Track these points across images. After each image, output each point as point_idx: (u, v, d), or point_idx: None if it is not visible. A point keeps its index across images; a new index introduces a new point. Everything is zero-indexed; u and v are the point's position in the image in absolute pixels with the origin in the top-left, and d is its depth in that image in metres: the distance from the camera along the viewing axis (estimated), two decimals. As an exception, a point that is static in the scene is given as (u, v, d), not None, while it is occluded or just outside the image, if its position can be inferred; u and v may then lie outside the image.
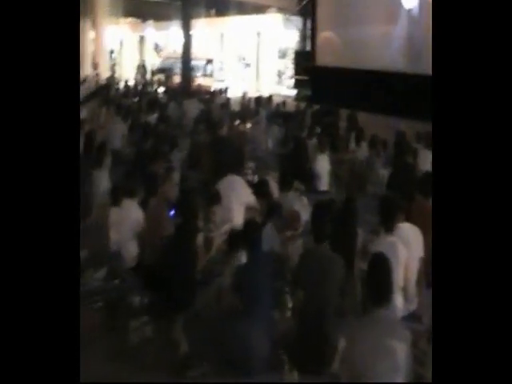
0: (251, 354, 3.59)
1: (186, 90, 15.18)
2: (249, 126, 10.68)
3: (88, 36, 24.79)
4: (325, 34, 18.26)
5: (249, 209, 5.66)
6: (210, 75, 21.42)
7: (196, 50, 19.55)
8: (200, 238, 4.34)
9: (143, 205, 5.30)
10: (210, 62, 22.04)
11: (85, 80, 16.68)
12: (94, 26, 24.43)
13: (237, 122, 10.50)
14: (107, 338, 3.97)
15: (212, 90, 15.88)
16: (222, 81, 21.04)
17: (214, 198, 5.07)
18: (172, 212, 5.22)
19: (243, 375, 3.53)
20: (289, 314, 3.98)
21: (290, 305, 4.11)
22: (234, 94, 15.54)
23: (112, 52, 25.50)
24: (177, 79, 18.10)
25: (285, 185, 6.06)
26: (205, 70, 21.37)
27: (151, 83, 18.66)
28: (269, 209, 5.20)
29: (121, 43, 26.42)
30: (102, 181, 6.21)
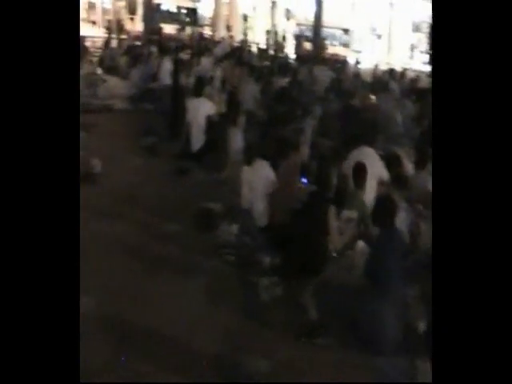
0: (380, 332, 3.48)
1: (316, 56, 14.93)
2: (380, 98, 10.24)
3: (222, 0, 25.31)
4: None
5: (380, 183, 5.44)
6: (343, 44, 20.93)
7: (327, 18, 19.10)
8: (333, 209, 4.23)
9: (274, 167, 5.31)
10: (346, 31, 21.49)
11: (219, 41, 17.12)
12: (229, -11, 24.87)
13: (368, 94, 10.11)
14: (238, 292, 4.07)
15: (343, 59, 15.50)
16: (358, 51, 20.43)
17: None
18: (304, 179, 5.18)
19: (370, 354, 3.43)
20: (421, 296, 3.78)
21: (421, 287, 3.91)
22: (364, 64, 15.02)
23: (245, 16, 25.83)
24: (307, 46, 17.89)
25: (421, 163, 5.74)
26: (335, 38, 20.91)
27: (282, 48, 18.64)
28: (401, 185, 4.97)
29: (253, 8, 26.64)
30: (236, 139, 6.33)
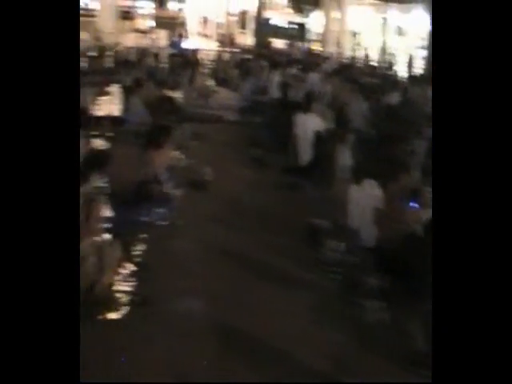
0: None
1: (429, 76, 14.45)
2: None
3: (333, 16, 25.39)
4: None
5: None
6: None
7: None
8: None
9: (383, 188, 5.21)
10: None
11: (328, 57, 17.20)
12: (339, 6, 24.88)
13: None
14: (343, 312, 4.04)
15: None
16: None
17: None
18: (414, 203, 5.02)
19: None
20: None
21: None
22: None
23: (354, 32, 25.71)
24: (420, 64, 17.39)
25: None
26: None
27: (392, 66, 18.29)
28: None
29: (364, 24, 26.40)
30: (344, 156, 6.32)
